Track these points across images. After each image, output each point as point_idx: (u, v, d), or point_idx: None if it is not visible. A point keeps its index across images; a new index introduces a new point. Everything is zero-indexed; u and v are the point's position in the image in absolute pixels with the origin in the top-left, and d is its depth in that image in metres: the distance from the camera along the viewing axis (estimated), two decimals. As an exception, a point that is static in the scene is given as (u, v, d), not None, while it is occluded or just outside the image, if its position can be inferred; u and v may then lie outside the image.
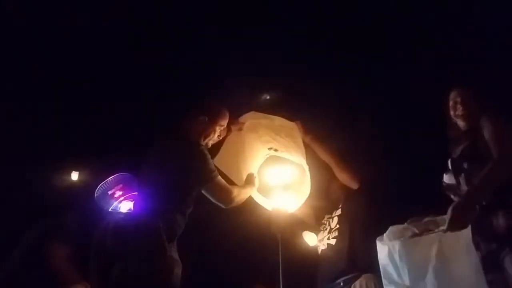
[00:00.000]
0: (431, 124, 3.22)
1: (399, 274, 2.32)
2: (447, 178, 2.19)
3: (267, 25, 3.42)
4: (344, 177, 2.83)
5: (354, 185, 2.81)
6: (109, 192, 2.76)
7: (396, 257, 2.32)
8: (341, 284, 2.63)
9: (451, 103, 2.31)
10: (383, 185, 3.10)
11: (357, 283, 2.57)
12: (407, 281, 2.30)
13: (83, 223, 3.10)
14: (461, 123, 2.28)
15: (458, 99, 2.27)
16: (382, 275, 2.32)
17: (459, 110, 2.26)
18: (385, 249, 2.36)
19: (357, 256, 2.64)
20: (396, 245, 2.36)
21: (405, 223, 2.37)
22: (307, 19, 3.47)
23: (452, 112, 2.30)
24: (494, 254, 1.87)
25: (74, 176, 3.89)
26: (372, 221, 2.72)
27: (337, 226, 2.81)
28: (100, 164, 3.43)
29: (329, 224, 2.88)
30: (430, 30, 3.41)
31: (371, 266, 2.58)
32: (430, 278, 2.28)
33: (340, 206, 2.88)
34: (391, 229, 2.36)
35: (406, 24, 3.40)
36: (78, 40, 3.42)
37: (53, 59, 3.53)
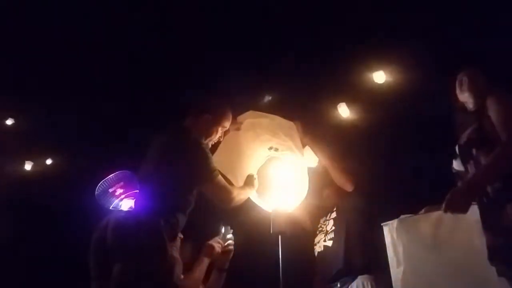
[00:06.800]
0: (428, 123, 3.24)
1: (396, 253, 2.38)
2: (456, 165, 2.11)
3: (267, 26, 3.42)
4: (339, 180, 2.84)
5: (349, 188, 2.83)
6: (110, 190, 2.68)
7: (394, 235, 2.41)
8: (338, 285, 2.65)
9: (457, 82, 2.21)
10: (377, 187, 3.11)
11: (354, 284, 2.60)
12: (401, 259, 2.36)
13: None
14: (467, 104, 2.18)
15: (465, 78, 2.18)
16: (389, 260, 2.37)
17: (465, 89, 2.17)
18: (386, 230, 2.45)
19: (354, 257, 2.66)
20: (395, 223, 2.43)
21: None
22: (307, 18, 3.46)
23: (458, 91, 2.21)
24: (501, 246, 1.85)
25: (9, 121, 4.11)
26: (368, 223, 2.75)
27: (333, 228, 2.82)
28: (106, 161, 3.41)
29: (325, 227, 2.90)
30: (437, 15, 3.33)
31: (367, 267, 2.63)
32: (425, 256, 2.31)
33: (335, 208, 2.90)
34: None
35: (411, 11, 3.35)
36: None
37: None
